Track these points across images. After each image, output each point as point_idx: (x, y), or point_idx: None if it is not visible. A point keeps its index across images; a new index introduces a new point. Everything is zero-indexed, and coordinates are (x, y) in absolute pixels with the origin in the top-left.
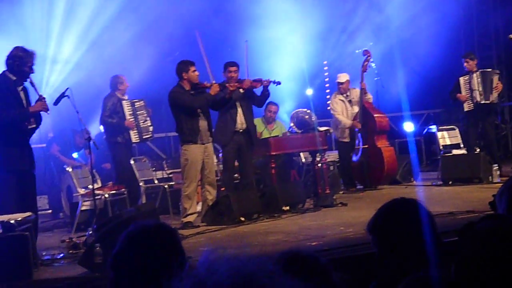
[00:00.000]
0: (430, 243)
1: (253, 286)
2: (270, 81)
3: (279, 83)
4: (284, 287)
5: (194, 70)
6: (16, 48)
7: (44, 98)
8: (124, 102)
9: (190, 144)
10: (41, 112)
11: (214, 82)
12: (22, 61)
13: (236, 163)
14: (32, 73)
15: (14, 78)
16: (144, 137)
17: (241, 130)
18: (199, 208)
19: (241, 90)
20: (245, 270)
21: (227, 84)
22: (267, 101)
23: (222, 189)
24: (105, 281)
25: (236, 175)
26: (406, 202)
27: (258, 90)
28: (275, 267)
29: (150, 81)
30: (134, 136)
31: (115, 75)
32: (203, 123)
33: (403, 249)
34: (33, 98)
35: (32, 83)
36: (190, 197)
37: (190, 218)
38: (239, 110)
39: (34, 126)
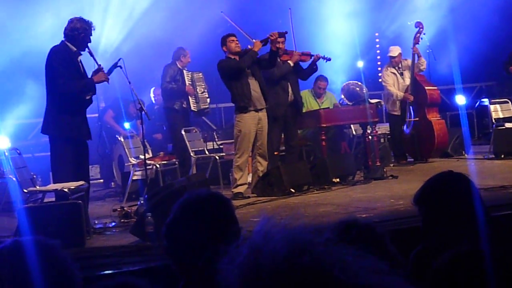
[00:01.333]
0: (481, 217)
1: (309, 255)
2: (320, 57)
3: (329, 59)
4: (340, 256)
5: (232, 40)
6: (76, 20)
7: (103, 68)
8: (185, 71)
9: (243, 114)
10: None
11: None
12: (85, 32)
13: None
14: (90, 42)
15: (75, 49)
16: (202, 107)
17: (288, 102)
18: (249, 179)
19: (290, 63)
20: (301, 239)
21: (268, 35)
22: (316, 75)
23: (276, 153)
24: (156, 250)
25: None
26: (454, 176)
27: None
28: (331, 235)
29: (200, 53)
30: (192, 104)
31: (180, 47)
32: (255, 87)
33: (447, 222)
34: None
35: (91, 53)
36: (241, 168)
37: (241, 189)
38: (288, 82)
39: (90, 96)
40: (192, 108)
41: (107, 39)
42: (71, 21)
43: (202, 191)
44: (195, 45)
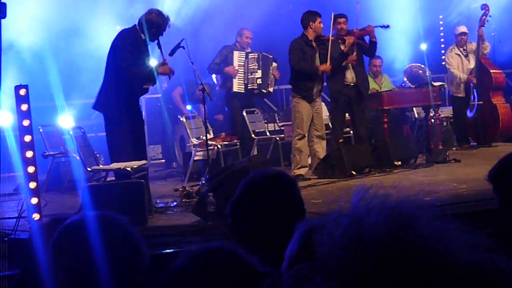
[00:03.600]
0: None
1: (412, 229)
2: (374, 27)
3: (387, 26)
4: (443, 231)
5: (320, 22)
6: (156, 13)
7: (167, 62)
8: (236, 52)
9: (300, 98)
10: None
11: (332, 37)
12: (159, 28)
13: (348, 117)
14: (162, 36)
15: (144, 37)
16: (249, 87)
17: (351, 84)
18: (309, 161)
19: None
20: (403, 212)
21: (345, 37)
22: (376, 50)
23: (341, 140)
24: (217, 229)
25: (347, 129)
26: None
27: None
28: (435, 209)
29: (264, 33)
30: (237, 85)
31: (240, 28)
32: (316, 85)
33: None
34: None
35: (159, 45)
36: (301, 149)
37: (302, 171)
38: (349, 64)
39: (148, 86)
40: (235, 89)
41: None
42: (150, 12)
43: (267, 170)
44: (260, 25)
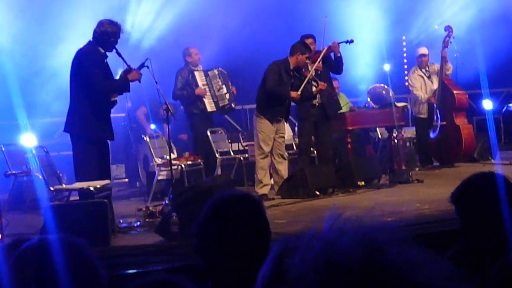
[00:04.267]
0: (508, 220)
1: (383, 254)
2: (339, 43)
3: (351, 41)
4: (414, 258)
5: (308, 57)
6: (106, 23)
7: (133, 68)
8: (196, 73)
9: (264, 118)
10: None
11: (310, 75)
12: (114, 35)
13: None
14: (117, 44)
15: (102, 50)
16: (220, 105)
17: (317, 104)
18: (272, 180)
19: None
20: (375, 237)
21: (320, 83)
22: (343, 66)
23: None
24: (181, 249)
25: (312, 149)
26: (494, 176)
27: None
28: (407, 236)
29: (228, 52)
30: (209, 105)
31: (185, 48)
32: (282, 107)
33: (485, 222)
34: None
35: (119, 54)
36: (264, 168)
37: (265, 190)
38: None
39: (116, 98)
40: (209, 109)
41: (134, 37)
42: (100, 24)
43: (233, 191)
44: (226, 42)
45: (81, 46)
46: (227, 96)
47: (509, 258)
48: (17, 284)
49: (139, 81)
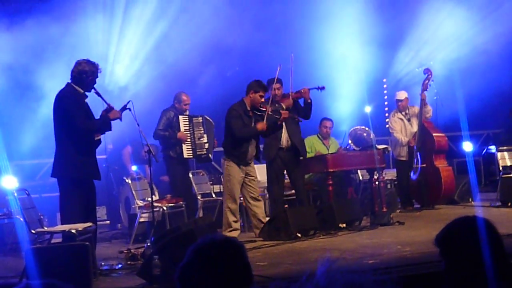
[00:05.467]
0: (490, 263)
1: None
2: (310, 89)
3: (322, 88)
4: None
5: (262, 96)
6: (83, 62)
7: (113, 107)
8: (181, 117)
9: (231, 162)
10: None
11: (269, 108)
12: (93, 75)
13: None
14: (95, 84)
15: (81, 91)
16: (198, 153)
17: (285, 147)
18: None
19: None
20: (362, 287)
21: (281, 111)
22: (320, 117)
23: (286, 206)
24: None
25: (291, 191)
26: (478, 220)
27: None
28: (392, 286)
29: (210, 95)
30: (186, 151)
31: (180, 92)
32: (251, 148)
33: (469, 265)
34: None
35: (98, 93)
36: (233, 211)
37: (235, 234)
38: (283, 127)
39: (99, 137)
40: (186, 155)
41: (115, 80)
42: (78, 64)
43: (216, 235)
44: (204, 87)
45: (60, 89)
46: (206, 146)
47: None
48: None
49: (120, 120)
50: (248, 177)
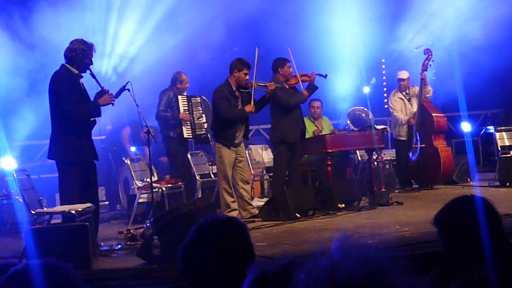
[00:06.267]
0: (489, 242)
1: (384, 279)
2: (316, 75)
3: (325, 76)
4: (413, 285)
5: (246, 74)
6: (76, 41)
7: (108, 90)
8: (180, 97)
9: (221, 145)
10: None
11: (255, 84)
12: (84, 53)
13: None
14: (91, 64)
15: (76, 71)
16: (197, 133)
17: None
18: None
19: (305, 93)
20: (378, 262)
21: (267, 84)
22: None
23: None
24: (162, 272)
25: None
26: (476, 199)
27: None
28: (408, 264)
29: (208, 75)
30: (186, 131)
31: (178, 72)
32: (239, 130)
33: (467, 245)
34: (91, 90)
35: (93, 75)
36: (229, 192)
37: (234, 214)
38: (299, 108)
39: (94, 118)
40: (185, 135)
41: (114, 63)
42: (71, 43)
43: (218, 215)
44: (203, 68)
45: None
46: (205, 125)
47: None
48: None
49: (112, 105)
50: (238, 158)
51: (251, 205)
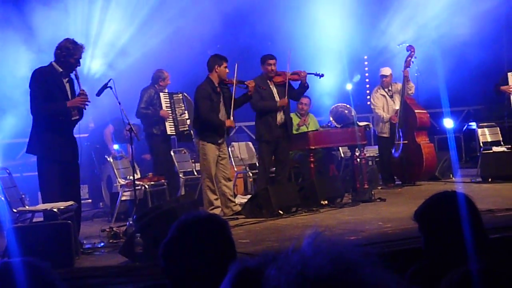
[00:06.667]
0: (469, 237)
1: (354, 274)
2: (308, 74)
3: (321, 75)
4: (384, 281)
5: (226, 67)
6: (66, 40)
7: (84, 92)
8: (162, 94)
9: (205, 142)
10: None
11: (235, 81)
12: (69, 52)
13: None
14: (78, 66)
15: (61, 69)
16: (180, 129)
17: (279, 124)
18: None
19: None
20: (348, 257)
21: (246, 82)
22: (303, 95)
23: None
24: (145, 270)
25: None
26: (456, 195)
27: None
28: (378, 259)
29: (190, 73)
30: (169, 128)
31: (159, 69)
32: (222, 116)
33: (447, 240)
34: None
35: (76, 76)
36: (212, 190)
37: (217, 211)
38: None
39: (77, 117)
40: (169, 132)
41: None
42: (63, 40)
43: (200, 212)
44: (186, 64)
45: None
46: (188, 122)
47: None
48: None
49: (84, 108)
50: (221, 155)
51: (234, 202)
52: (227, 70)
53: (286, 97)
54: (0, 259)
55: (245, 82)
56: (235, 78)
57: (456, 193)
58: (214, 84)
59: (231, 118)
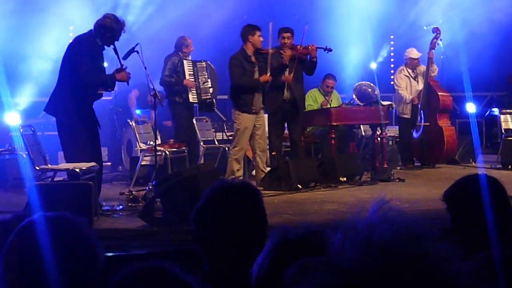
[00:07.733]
0: (497, 221)
1: (418, 245)
2: (317, 47)
3: (330, 50)
4: (447, 254)
5: (260, 35)
6: (109, 18)
7: (126, 67)
8: (185, 62)
9: (242, 112)
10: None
11: (270, 50)
12: (112, 33)
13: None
14: (117, 40)
15: (100, 42)
16: (203, 97)
17: (287, 99)
18: (254, 172)
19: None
20: (414, 228)
21: (282, 51)
22: (325, 73)
23: (273, 153)
24: (163, 235)
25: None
26: (487, 178)
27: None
28: (442, 233)
29: (216, 43)
30: (192, 96)
31: (182, 36)
32: (256, 97)
33: (475, 222)
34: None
35: (115, 50)
36: (239, 161)
37: None
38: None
39: (102, 91)
40: (191, 100)
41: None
42: (104, 17)
43: (234, 180)
44: (212, 33)
45: (81, 33)
46: (211, 90)
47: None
48: (19, 259)
49: (127, 83)
50: (256, 125)
51: (264, 173)
52: (261, 39)
53: (292, 74)
54: (21, 214)
55: (281, 51)
56: (269, 47)
57: (487, 176)
58: (247, 54)
59: (267, 72)
